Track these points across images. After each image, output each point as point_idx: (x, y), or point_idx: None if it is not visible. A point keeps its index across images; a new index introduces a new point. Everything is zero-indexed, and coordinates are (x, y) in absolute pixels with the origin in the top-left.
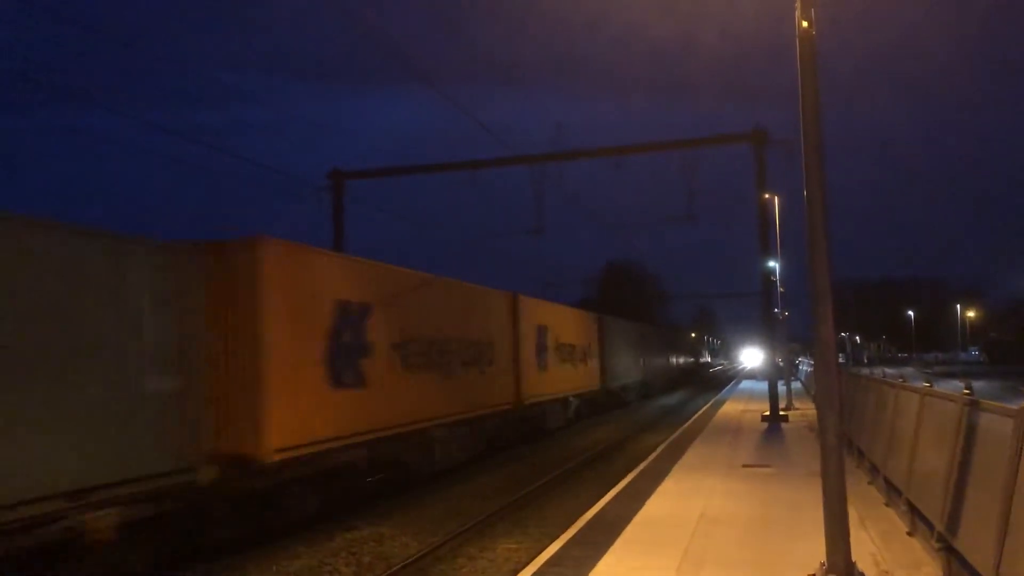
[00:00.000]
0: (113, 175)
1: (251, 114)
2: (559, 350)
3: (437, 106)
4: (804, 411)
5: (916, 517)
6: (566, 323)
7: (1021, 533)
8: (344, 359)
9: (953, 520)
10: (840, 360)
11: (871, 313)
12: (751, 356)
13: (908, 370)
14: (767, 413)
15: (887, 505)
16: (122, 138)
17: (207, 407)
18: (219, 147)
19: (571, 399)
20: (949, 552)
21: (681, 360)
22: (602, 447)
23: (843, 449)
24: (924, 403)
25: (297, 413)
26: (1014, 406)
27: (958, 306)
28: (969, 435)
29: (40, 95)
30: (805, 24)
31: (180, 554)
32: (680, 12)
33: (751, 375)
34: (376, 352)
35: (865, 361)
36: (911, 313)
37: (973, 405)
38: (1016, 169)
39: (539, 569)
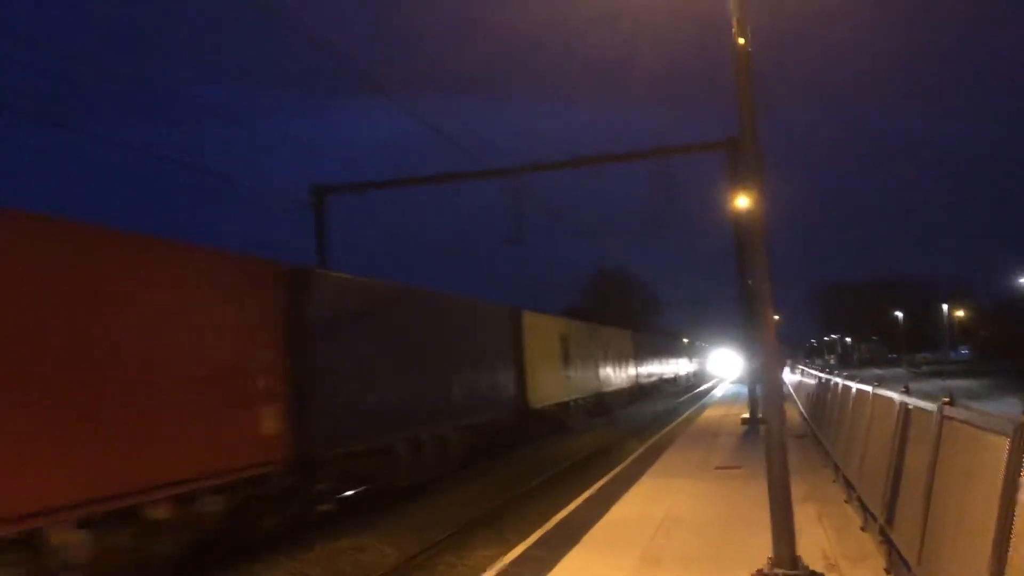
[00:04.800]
0: (91, 198)
1: (232, 132)
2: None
3: (411, 118)
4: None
5: (867, 512)
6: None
7: (938, 522)
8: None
9: (890, 513)
10: (831, 361)
11: (861, 314)
12: (724, 361)
13: (899, 371)
14: (747, 416)
15: (847, 502)
16: (98, 159)
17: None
18: (201, 166)
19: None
20: (890, 545)
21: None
22: (587, 452)
23: (786, 445)
24: (874, 401)
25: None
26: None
27: (944, 306)
28: (904, 431)
29: (10, 118)
30: (741, 41)
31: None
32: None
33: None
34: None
35: (855, 362)
36: (899, 314)
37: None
38: (1001, 166)
39: (502, 569)
